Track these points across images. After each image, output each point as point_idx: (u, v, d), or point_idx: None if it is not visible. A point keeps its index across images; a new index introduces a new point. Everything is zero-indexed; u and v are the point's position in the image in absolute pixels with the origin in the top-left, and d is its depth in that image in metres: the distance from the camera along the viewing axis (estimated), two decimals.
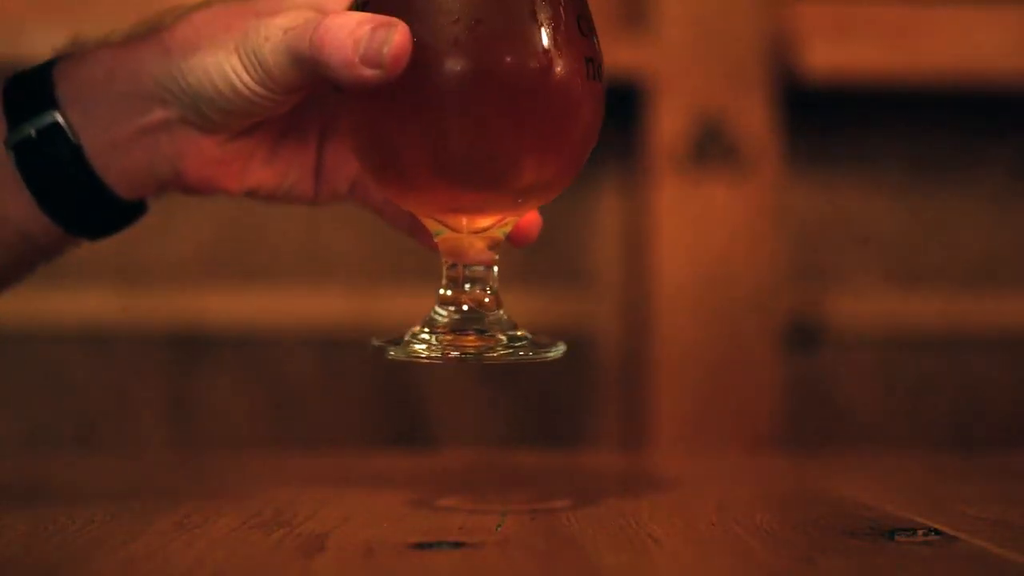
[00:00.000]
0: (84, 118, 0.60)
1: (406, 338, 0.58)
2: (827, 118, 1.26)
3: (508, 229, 0.60)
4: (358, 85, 0.55)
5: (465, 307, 0.59)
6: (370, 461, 0.94)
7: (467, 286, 0.59)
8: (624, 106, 1.17)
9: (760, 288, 1.16)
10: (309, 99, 0.62)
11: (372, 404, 1.22)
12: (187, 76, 0.59)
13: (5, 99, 0.62)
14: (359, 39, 0.54)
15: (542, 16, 0.56)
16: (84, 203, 0.61)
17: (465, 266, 0.59)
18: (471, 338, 0.58)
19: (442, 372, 1.17)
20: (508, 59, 0.55)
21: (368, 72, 0.54)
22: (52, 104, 0.60)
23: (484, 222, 0.59)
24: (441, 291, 0.59)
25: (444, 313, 0.59)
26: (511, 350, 0.57)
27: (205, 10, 0.61)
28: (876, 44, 1.19)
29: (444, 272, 0.60)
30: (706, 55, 1.16)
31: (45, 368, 1.20)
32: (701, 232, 1.16)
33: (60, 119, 0.60)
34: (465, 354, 0.57)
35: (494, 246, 0.59)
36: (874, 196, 1.27)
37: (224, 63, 0.58)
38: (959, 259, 1.28)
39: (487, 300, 0.59)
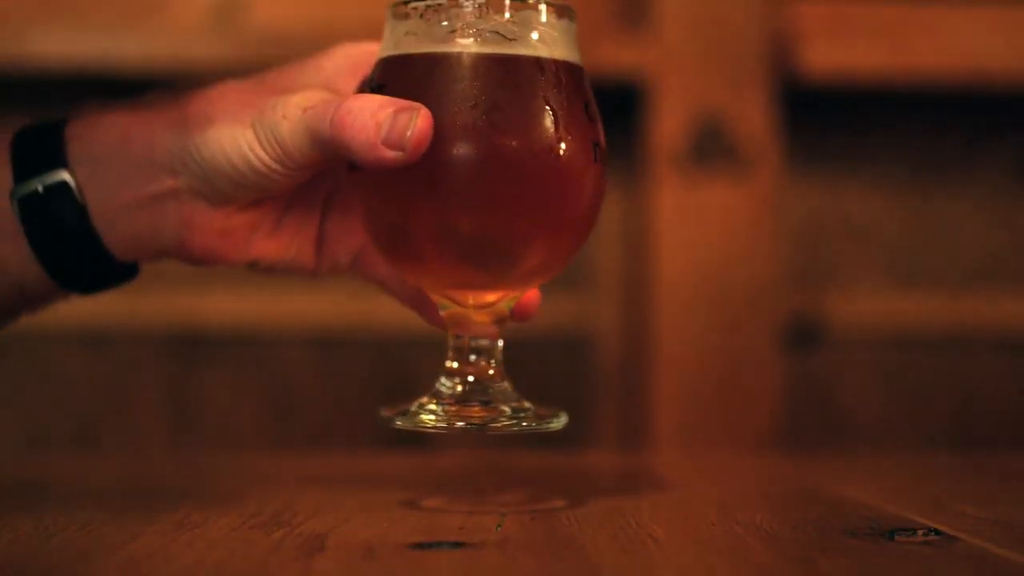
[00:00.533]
0: (92, 180, 0.61)
1: (413, 408, 0.60)
2: (827, 118, 1.26)
3: (512, 304, 0.62)
4: (378, 166, 0.56)
5: (470, 378, 0.60)
6: (370, 461, 0.94)
7: (472, 358, 0.61)
8: (624, 106, 1.17)
9: (760, 288, 1.16)
10: (315, 173, 0.63)
11: (372, 404, 1.21)
12: (201, 149, 0.60)
13: (13, 151, 0.62)
14: (381, 122, 0.55)
15: (554, 103, 0.57)
16: (82, 261, 0.62)
17: (471, 339, 0.61)
18: (476, 409, 0.59)
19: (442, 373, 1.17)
20: (523, 145, 0.57)
21: (390, 154, 0.55)
22: (62, 162, 0.61)
23: (490, 297, 0.61)
24: (447, 363, 0.61)
25: (450, 384, 0.61)
26: (515, 421, 0.59)
27: (221, 85, 0.62)
28: (876, 44, 1.19)
29: (450, 344, 0.61)
30: (706, 55, 1.16)
31: (45, 368, 1.20)
32: (701, 232, 1.16)
33: (69, 178, 0.61)
34: (470, 424, 0.58)
35: (499, 320, 0.61)
36: (874, 196, 1.27)
37: (240, 138, 0.59)
38: (959, 259, 1.28)
39: (492, 372, 0.61)
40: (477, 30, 0.57)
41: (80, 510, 0.60)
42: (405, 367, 1.21)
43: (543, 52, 0.58)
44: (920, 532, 0.54)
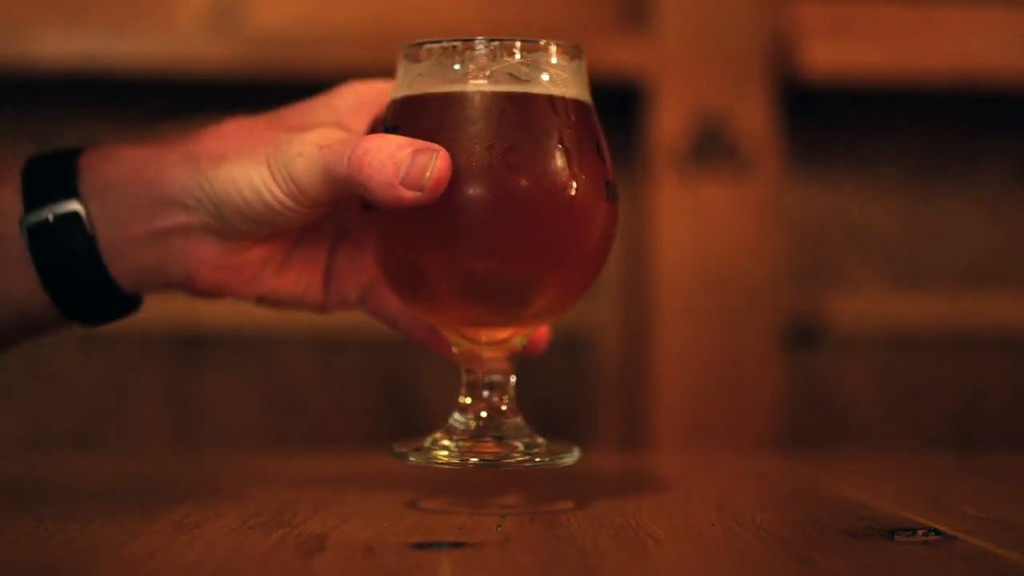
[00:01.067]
0: (104, 212, 0.61)
1: (426, 444, 0.60)
2: (827, 118, 1.26)
3: (525, 340, 0.62)
4: (395, 206, 0.56)
5: (483, 414, 0.61)
6: (370, 461, 0.94)
7: (485, 394, 0.61)
8: (624, 106, 1.17)
9: (760, 288, 1.16)
10: (327, 211, 0.63)
11: (372, 404, 1.22)
12: (214, 185, 0.60)
13: (24, 179, 0.62)
14: (400, 162, 0.56)
15: (568, 144, 0.58)
16: (88, 292, 0.62)
17: (483, 374, 0.61)
18: (489, 445, 0.60)
19: (442, 373, 1.17)
20: (539, 186, 0.57)
21: (408, 194, 0.56)
22: (73, 192, 0.61)
23: (502, 334, 0.61)
24: (460, 399, 0.62)
25: (463, 420, 0.61)
26: (528, 457, 0.59)
27: (234, 122, 0.63)
28: (876, 44, 1.19)
29: (463, 380, 0.62)
30: (706, 55, 1.16)
31: (45, 368, 1.20)
32: (701, 232, 1.16)
33: (80, 208, 0.61)
34: (484, 461, 0.59)
35: (511, 356, 0.62)
36: (874, 196, 1.27)
37: (254, 175, 0.59)
38: (959, 259, 1.28)
39: (504, 408, 0.61)
40: (491, 71, 0.58)
41: (80, 510, 0.60)
42: (405, 368, 1.21)
43: (555, 92, 0.59)
44: (920, 532, 0.54)
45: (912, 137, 1.27)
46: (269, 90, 1.19)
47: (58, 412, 1.21)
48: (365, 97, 0.64)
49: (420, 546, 0.51)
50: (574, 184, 0.58)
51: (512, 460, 0.59)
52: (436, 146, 0.56)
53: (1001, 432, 1.26)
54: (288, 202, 0.59)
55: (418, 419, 1.19)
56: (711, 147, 1.16)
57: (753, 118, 1.16)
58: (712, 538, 0.53)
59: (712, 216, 1.16)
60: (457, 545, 0.52)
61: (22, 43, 1.10)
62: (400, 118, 0.59)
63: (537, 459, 0.59)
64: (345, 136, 0.59)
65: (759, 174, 1.16)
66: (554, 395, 1.22)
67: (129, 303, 0.64)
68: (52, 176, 0.62)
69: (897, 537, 0.53)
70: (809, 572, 0.48)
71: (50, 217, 0.61)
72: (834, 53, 1.18)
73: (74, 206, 0.61)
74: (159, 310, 1.20)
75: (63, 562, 0.49)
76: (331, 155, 0.58)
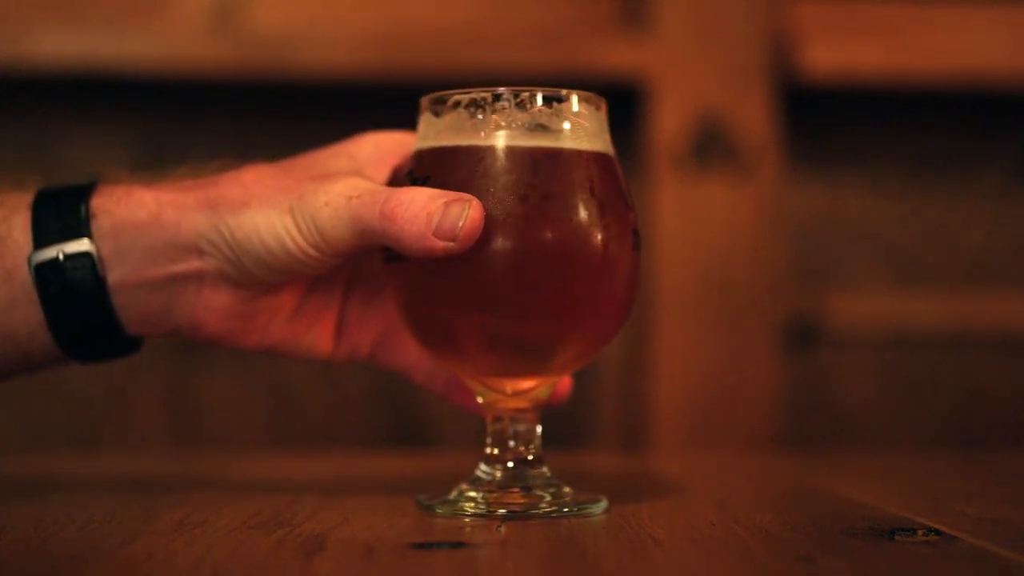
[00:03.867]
0: (116, 254, 0.61)
1: (452, 496, 0.61)
2: (827, 118, 1.26)
3: (550, 389, 0.62)
4: (427, 256, 0.57)
5: (509, 464, 0.61)
6: (370, 461, 0.94)
7: (511, 444, 0.62)
8: (624, 106, 1.17)
9: (760, 288, 1.16)
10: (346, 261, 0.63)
11: (372, 404, 1.22)
12: (235, 232, 0.60)
13: (34, 214, 0.62)
14: (432, 213, 0.56)
15: (599, 194, 0.59)
16: (92, 333, 0.62)
17: (510, 424, 0.62)
18: (516, 495, 0.60)
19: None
20: (572, 239, 0.58)
21: (440, 244, 0.56)
22: (86, 233, 0.61)
23: (527, 384, 0.61)
24: (486, 449, 0.62)
25: (489, 470, 0.62)
26: (555, 508, 0.59)
27: (254, 169, 0.62)
28: (876, 44, 1.19)
29: (488, 430, 0.62)
30: (706, 55, 1.16)
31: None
32: (701, 232, 1.16)
33: (92, 249, 0.61)
34: (511, 512, 0.59)
35: (536, 406, 0.62)
36: (874, 196, 1.27)
37: (277, 223, 0.59)
38: (959, 259, 1.28)
39: (530, 457, 0.62)
40: (519, 123, 0.58)
41: (80, 510, 0.60)
42: None
43: (585, 144, 0.59)
44: (920, 532, 0.54)
45: (912, 137, 1.27)
46: (268, 91, 1.19)
47: (58, 412, 1.21)
48: (385, 147, 0.64)
49: (420, 546, 0.51)
50: (606, 235, 0.58)
51: (539, 511, 0.59)
52: (469, 196, 0.56)
53: (1001, 432, 1.25)
54: (311, 252, 0.59)
55: (418, 419, 1.19)
56: (711, 147, 1.16)
57: (753, 118, 1.16)
58: (712, 538, 0.53)
59: (712, 216, 1.16)
60: (457, 545, 0.52)
61: (22, 43, 1.10)
62: (430, 169, 0.59)
63: (565, 509, 0.59)
64: (374, 187, 0.59)
65: (759, 174, 1.16)
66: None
67: (130, 345, 0.64)
68: (63, 214, 0.61)
69: (897, 537, 0.53)
70: (809, 572, 0.48)
71: (60, 255, 0.60)
72: (834, 53, 1.18)
73: (86, 247, 0.60)
74: None
75: (63, 562, 0.49)
76: (360, 206, 0.58)
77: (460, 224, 0.56)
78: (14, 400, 1.20)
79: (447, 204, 0.56)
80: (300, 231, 0.59)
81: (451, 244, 0.56)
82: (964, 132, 1.27)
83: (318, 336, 0.66)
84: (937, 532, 0.54)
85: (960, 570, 0.48)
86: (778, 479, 0.85)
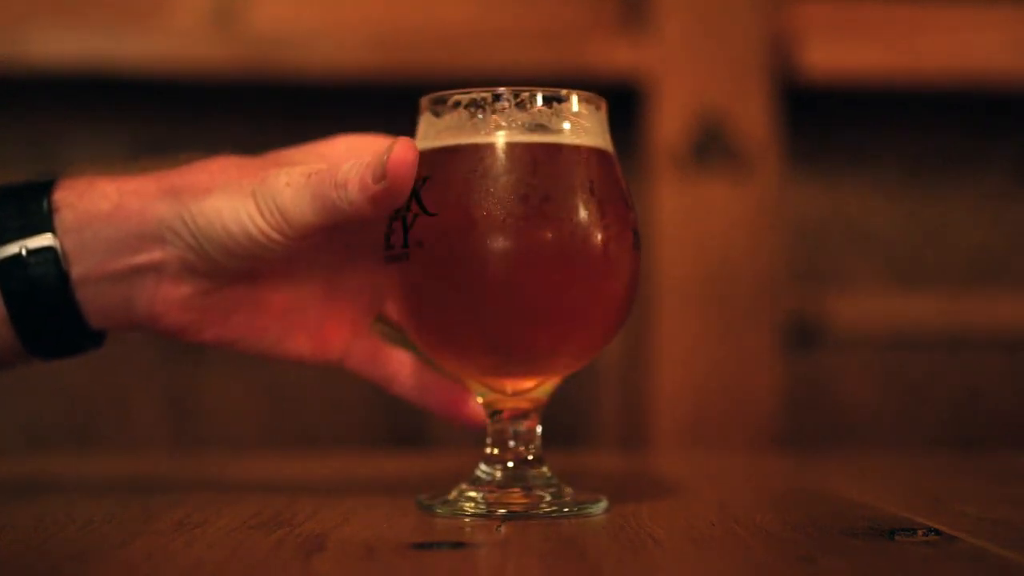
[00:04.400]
0: (78, 248, 0.61)
1: (453, 496, 0.61)
2: (827, 118, 1.26)
3: (550, 389, 0.62)
4: (370, 206, 0.57)
5: (510, 464, 0.61)
6: (370, 461, 0.94)
7: (511, 444, 0.62)
8: (624, 106, 1.17)
9: (760, 288, 1.16)
10: (311, 259, 0.64)
11: (372, 404, 1.22)
12: (198, 218, 0.60)
13: None
14: (370, 164, 0.57)
15: (599, 193, 0.59)
16: (56, 328, 0.62)
17: (510, 425, 0.62)
18: (516, 495, 0.60)
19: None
20: (574, 238, 0.58)
21: (375, 188, 0.56)
22: (48, 228, 0.60)
23: (528, 384, 0.61)
24: (486, 449, 0.62)
25: (489, 470, 0.62)
26: (555, 507, 0.59)
27: (221, 160, 0.62)
28: (876, 44, 1.19)
29: (489, 430, 0.62)
30: (706, 55, 1.16)
31: (45, 368, 1.20)
32: (701, 232, 1.16)
33: (55, 244, 0.60)
34: (511, 512, 0.59)
35: (536, 407, 0.62)
36: (874, 196, 1.27)
37: (240, 208, 0.59)
38: (959, 259, 1.28)
39: (530, 458, 0.62)
40: (519, 123, 0.58)
41: (80, 510, 0.60)
42: None
43: (585, 142, 0.59)
44: (920, 532, 0.54)
45: (912, 137, 1.27)
46: (268, 91, 1.19)
47: (58, 412, 1.21)
48: (357, 147, 0.64)
49: (420, 546, 0.51)
50: (606, 235, 0.58)
51: (539, 511, 0.59)
52: (402, 137, 0.57)
53: (1001, 432, 1.25)
54: (273, 234, 0.59)
55: (418, 419, 1.19)
56: (711, 147, 1.16)
57: (753, 118, 1.16)
58: (712, 538, 0.53)
59: (712, 216, 1.16)
60: (457, 545, 0.52)
61: (22, 43, 1.10)
62: (430, 169, 0.59)
63: (565, 509, 0.59)
64: (332, 165, 0.59)
65: (759, 174, 1.16)
66: (554, 394, 1.22)
67: (94, 340, 0.64)
68: (25, 210, 0.61)
69: (897, 537, 0.53)
70: (809, 572, 0.48)
71: (23, 251, 0.60)
72: (834, 53, 1.18)
73: (49, 241, 0.60)
74: None
75: (63, 562, 0.49)
76: (319, 183, 0.58)
77: (385, 158, 0.56)
78: (14, 400, 1.20)
79: (379, 153, 0.57)
80: (262, 214, 0.59)
81: (383, 183, 0.56)
82: (964, 132, 1.27)
83: (285, 334, 0.65)
84: (937, 532, 0.54)
85: (960, 570, 0.48)
86: (778, 479, 0.85)
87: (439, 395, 0.67)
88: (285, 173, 0.59)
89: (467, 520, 0.58)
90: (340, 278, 0.66)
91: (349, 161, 0.59)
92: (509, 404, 0.62)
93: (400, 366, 0.68)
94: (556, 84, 0.61)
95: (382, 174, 0.56)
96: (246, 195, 0.59)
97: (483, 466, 0.62)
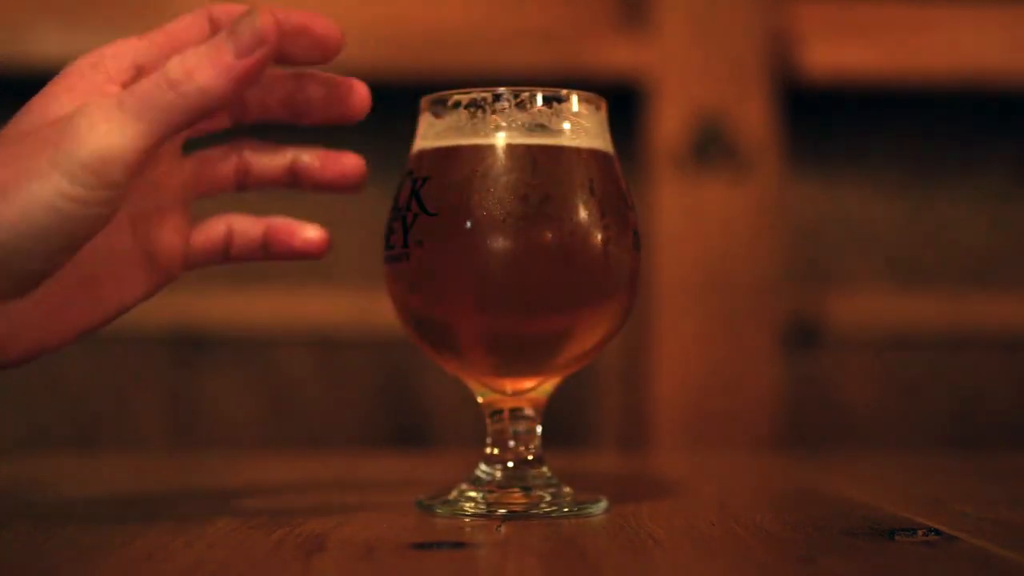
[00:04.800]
0: None
1: (452, 496, 0.61)
2: (827, 118, 1.26)
3: (550, 389, 0.62)
4: (233, 86, 0.50)
5: (509, 464, 0.61)
6: (370, 461, 0.94)
7: (511, 444, 0.62)
8: (624, 106, 1.17)
9: (760, 288, 1.16)
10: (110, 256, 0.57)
11: (372, 404, 1.22)
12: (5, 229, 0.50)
13: None
14: (221, 42, 0.50)
15: (599, 194, 0.59)
16: None
17: (510, 424, 0.62)
18: (516, 495, 0.60)
19: (443, 373, 1.17)
20: (574, 239, 0.58)
21: (252, 58, 0.50)
22: None
23: (527, 384, 0.61)
24: (486, 449, 0.62)
25: (488, 470, 0.62)
26: (555, 507, 0.59)
27: None
28: (876, 44, 1.19)
29: (488, 429, 0.62)
30: (706, 55, 1.16)
31: (45, 368, 1.20)
32: (701, 232, 1.16)
33: None
34: (511, 512, 0.59)
35: (536, 406, 0.62)
36: (874, 196, 1.27)
37: (45, 191, 0.49)
38: (959, 259, 1.28)
39: (530, 458, 0.62)
40: (519, 123, 0.58)
41: (80, 510, 0.60)
42: (405, 368, 1.21)
43: (585, 142, 0.59)
44: (920, 532, 0.54)
45: (912, 137, 1.27)
46: None
47: (58, 412, 1.21)
48: (101, 62, 0.54)
49: (420, 546, 0.51)
50: (606, 235, 0.59)
51: (539, 511, 0.59)
52: (245, 7, 0.51)
53: (1001, 432, 1.25)
54: (98, 193, 0.49)
55: (418, 419, 1.19)
56: (711, 147, 1.16)
57: (753, 118, 1.16)
58: (712, 538, 0.53)
59: (712, 216, 1.16)
60: (457, 545, 0.52)
61: (22, 43, 1.10)
62: (430, 169, 0.59)
63: (565, 509, 0.59)
64: (139, 77, 0.51)
65: (759, 174, 1.16)
66: (554, 395, 1.22)
67: None
68: None
69: (897, 537, 0.53)
70: (809, 572, 0.48)
71: None
72: (834, 53, 1.18)
73: None
74: (159, 310, 1.20)
75: (63, 562, 0.49)
76: (141, 97, 0.49)
77: (256, 25, 0.50)
78: (14, 400, 1.20)
79: (232, 26, 0.50)
80: (74, 181, 0.49)
81: (263, 48, 0.50)
82: (964, 132, 1.27)
83: (112, 292, 0.59)
84: (937, 532, 0.54)
85: (960, 570, 0.48)
86: (778, 479, 0.85)
87: (275, 235, 0.62)
88: (78, 118, 0.49)
89: (467, 520, 0.58)
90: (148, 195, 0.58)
91: (171, 58, 0.50)
92: (509, 404, 0.62)
93: (227, 228, 0.61)
94: (556, 84, 0.61)
95: (257, 39, 0.50)
96: (45, 174, 0.49)
97: (483, 466, 0.62)
